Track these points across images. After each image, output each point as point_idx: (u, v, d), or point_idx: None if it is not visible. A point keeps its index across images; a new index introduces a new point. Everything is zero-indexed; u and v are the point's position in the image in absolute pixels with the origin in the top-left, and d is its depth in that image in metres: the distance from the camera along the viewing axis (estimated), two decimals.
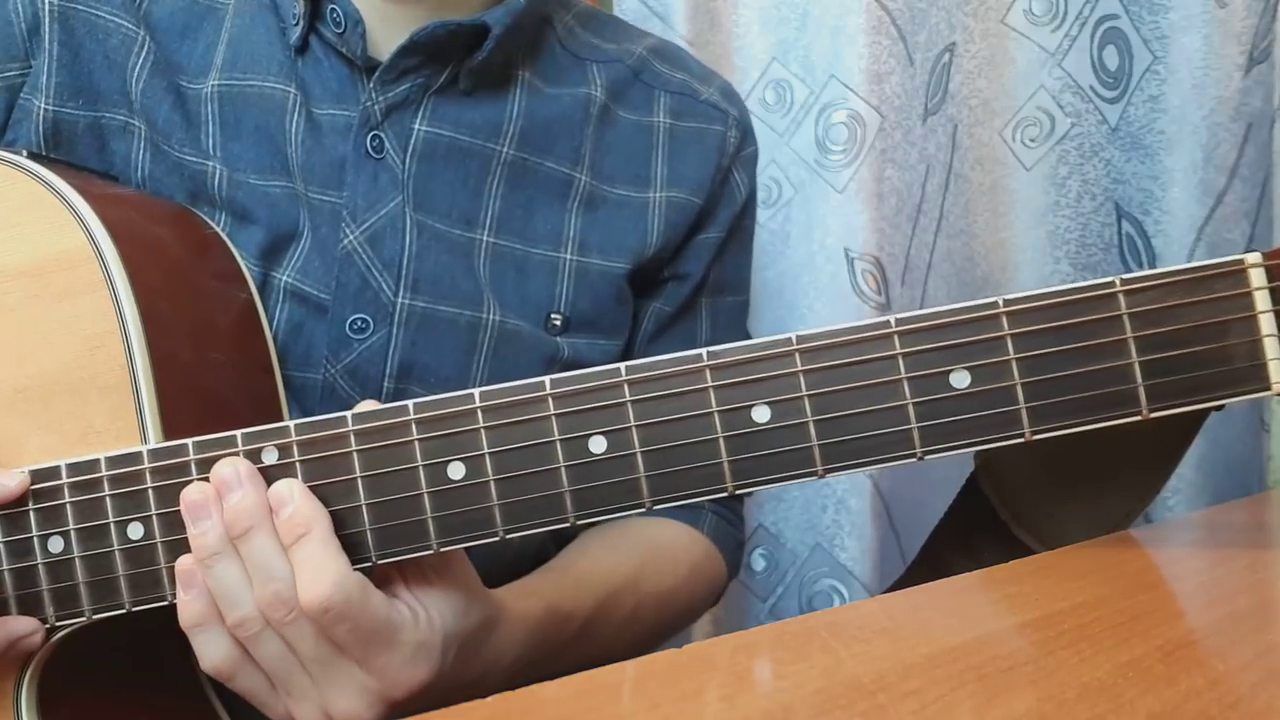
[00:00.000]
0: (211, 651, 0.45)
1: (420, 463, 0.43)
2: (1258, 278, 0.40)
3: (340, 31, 0.59)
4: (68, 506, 0.46)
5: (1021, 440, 0.40)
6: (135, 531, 0.45)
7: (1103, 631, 0.36)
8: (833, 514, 1.06)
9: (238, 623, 0.44)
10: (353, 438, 0.43)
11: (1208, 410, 0.43)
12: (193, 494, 0.44)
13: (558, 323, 0.64)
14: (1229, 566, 0.47)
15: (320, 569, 0.42)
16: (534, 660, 0.53)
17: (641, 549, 0.66)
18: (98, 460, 0.46)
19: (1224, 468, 1.08)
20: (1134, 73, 1.07)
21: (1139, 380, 0.40)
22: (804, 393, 0.41)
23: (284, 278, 0.58)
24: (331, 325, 0.58)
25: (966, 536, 0.55)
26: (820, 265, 1.05)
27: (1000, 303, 0.40)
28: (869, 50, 1.03)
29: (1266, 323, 0.40)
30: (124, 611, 0.46)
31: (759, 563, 1.10)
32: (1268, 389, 0.40)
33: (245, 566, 0.44)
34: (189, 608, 0.44)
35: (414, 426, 0.43)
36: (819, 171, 1.06)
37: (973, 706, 0.29)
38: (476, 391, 0.42)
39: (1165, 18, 1.05)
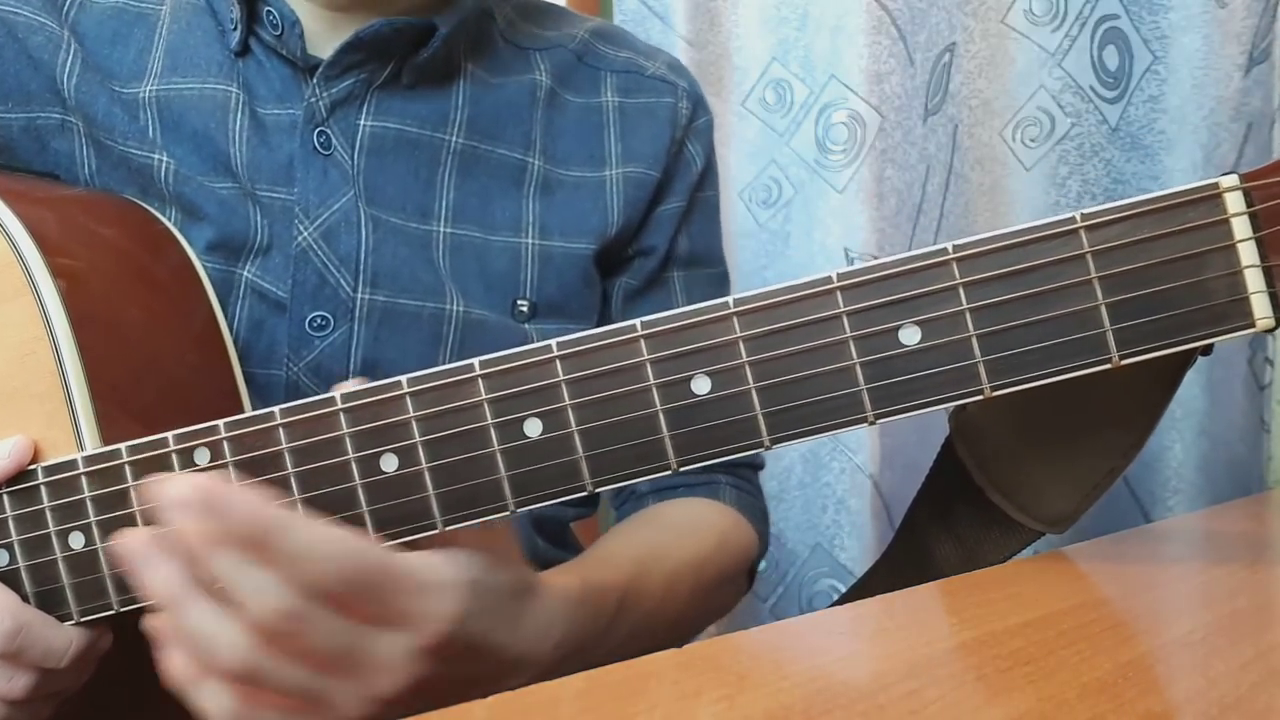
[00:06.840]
0: (216, 705, 0.39)
1: (351, 455, 0.41)
2: (1234, 203, 0.36)
3: (278, 34, 0.59)
4: (10, 520, 0.46)
5: (981, 398, 0.38)
6: (76, 540, 0.45)
7: (1103, 631, 0.36)
8: (833, 514, 1.06)
9: (234, 668, 0.38)
10: (281, 433, 0.41)
11: (1191, 354, 0.40)
12: (132, 542, 0.40)
13: (524, 309, 0.63)
14: (1229, 566, 0.47)
15: (310, 544, 0.38)
16: (582, 643, 0.49)
17: (663, 527, 0.65)
18: (34, 470, 0.45)
19: (1224, 468, 1.08)
20: (1134, 73, 1.07)
21: (1107, 324, 0.37)
22: (744, 360, 0.38)
23: (245, 274, 0.58)
24: (291, 323, 0.58)
25: (942, 505, 0.53)
26: (820, 265, 1.05)
27: (950, 249, 0.38)
28: (869, 50, 1.03)
29: (1247, 252, 0.36)
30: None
31: (759, 563, 1.10)
32: (1251, 325, 0.36)
33: (216, 603, 0.38)
34: (174, 665, 0.40)
35: (343, 418, 0.41)
36: (819, 171, 1.06)
37: (973, 706, 0.29)
38: (404, 378, 0.40)
39: (1165, 18, 1.05)
